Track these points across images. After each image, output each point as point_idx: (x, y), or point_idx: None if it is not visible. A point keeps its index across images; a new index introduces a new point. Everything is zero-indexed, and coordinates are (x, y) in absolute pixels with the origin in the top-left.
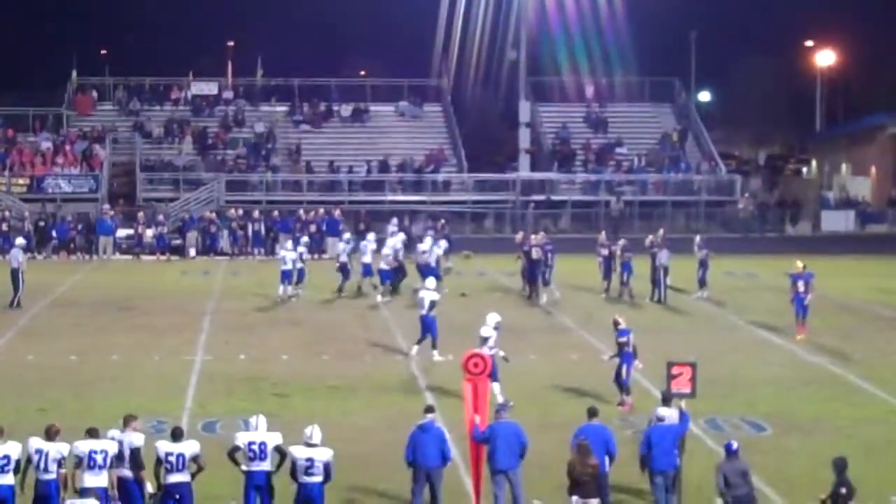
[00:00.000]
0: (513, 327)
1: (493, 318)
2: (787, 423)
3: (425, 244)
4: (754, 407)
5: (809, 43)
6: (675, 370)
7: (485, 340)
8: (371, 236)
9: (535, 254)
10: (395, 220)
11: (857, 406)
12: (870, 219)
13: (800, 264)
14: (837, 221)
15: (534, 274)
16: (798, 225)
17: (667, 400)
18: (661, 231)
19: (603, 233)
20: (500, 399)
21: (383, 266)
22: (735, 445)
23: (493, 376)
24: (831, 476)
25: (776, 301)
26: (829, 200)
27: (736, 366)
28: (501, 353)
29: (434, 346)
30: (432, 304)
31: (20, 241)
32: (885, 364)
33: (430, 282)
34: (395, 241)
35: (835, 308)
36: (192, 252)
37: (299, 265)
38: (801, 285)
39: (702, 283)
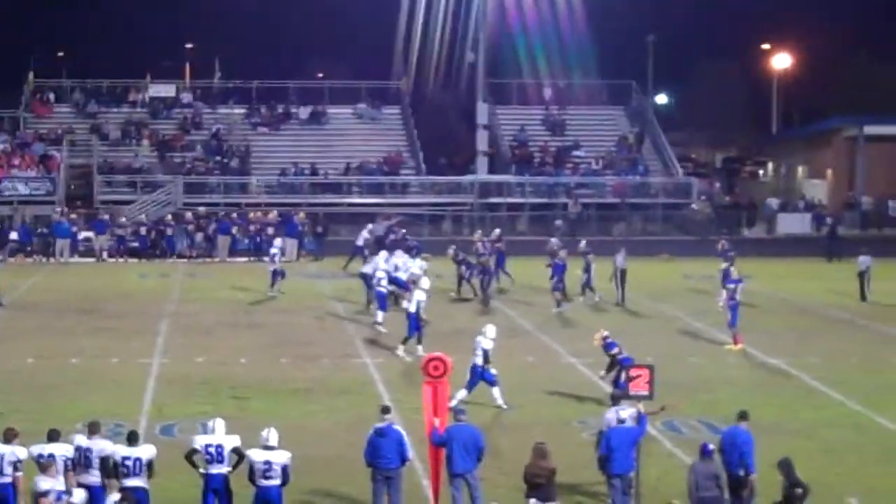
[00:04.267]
0: (469, 330)
1: (491, 330)
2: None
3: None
4: (713, 409)
5: (766, 46)
6: (632, 372)
7: (486, 353)
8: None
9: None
10: (369, 227)
11: (815, 408)
12: (826, 221)
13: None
14: (794, 224)
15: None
16: (754, 227)
17: (616, 399)
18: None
19: (553, 239)
20: (501, 402)
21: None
22: (710, 447)
23: (492, 382)
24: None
25: None
26: (772, 205)
27: (694, 368)
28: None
29: (419, 342)
30: (418, 304)
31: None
32: (843, 366)
33: (425, 282)
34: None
35: (792, 310)
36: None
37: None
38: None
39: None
